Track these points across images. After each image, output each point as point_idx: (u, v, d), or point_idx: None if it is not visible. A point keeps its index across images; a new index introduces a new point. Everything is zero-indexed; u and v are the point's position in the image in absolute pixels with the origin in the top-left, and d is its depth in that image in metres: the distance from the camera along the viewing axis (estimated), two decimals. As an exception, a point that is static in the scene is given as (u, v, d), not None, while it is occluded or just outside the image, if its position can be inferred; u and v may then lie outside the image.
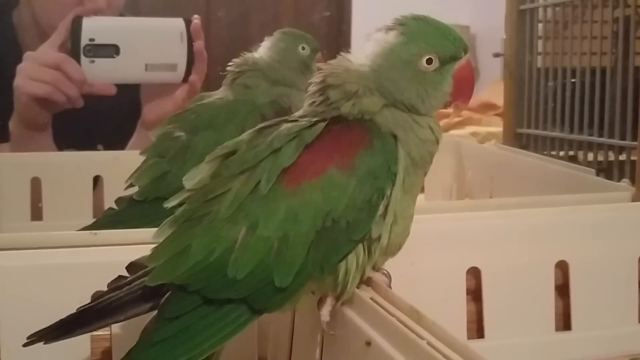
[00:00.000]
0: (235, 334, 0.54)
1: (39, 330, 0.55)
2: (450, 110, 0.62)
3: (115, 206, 0.90)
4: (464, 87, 0.60)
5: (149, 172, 0.88)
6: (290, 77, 0.96)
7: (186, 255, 0.54)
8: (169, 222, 0.57)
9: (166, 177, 0.87)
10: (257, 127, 0.60)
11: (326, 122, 0.57)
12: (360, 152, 0.56)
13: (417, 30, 0.59)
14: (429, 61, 0.58)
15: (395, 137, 0.58)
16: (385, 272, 0.62)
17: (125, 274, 0.59)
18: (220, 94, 0.96)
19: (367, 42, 0.61)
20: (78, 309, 0.56)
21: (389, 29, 0.60)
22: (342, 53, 0.62)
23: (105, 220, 0.89)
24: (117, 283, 0.58)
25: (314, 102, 0.60)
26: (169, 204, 0.58)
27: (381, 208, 0.56)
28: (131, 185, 0.89)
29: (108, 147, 1.35)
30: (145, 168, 0.89)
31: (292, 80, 0.95)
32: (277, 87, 0.95)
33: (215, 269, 0.54)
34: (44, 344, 0.55)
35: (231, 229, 0.54)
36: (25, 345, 0.55)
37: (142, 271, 0.57)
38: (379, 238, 0.57)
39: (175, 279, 0.54)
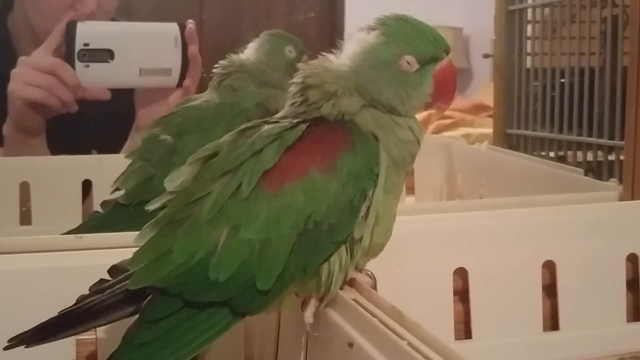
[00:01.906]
0: (218, 337, 0.54)
1: (20, 334, 0.55)
2: (432, 111, 0.62)
3: (101, 210, 0.90)
4: (445, 88, 0.60)
5: (135, 176, 0.88)
6: (277, 78, 0.96)
7: (167, 259, 0.54)
8: (151, 226, 0.57)
9: (152, 180, 0.87)
10: (238, 129, 0.60)
11: (307, 124, 0.57)
12: (341, 153, 0.55)
13: (397, 31, 0.59)
14: (409, 62, 0.58)
15: (376, 137, 0.57)
16: (369, 273, 0.62)
17: (108, 277, 0.59)
18: (206, 97, 0.96)
19: (350, 41, 0.61)
20: (59, 312, 0.56)
21: (370, 29, 0.60)
22: (322, 53, 0.61)
23: (91, 223, 0.89)
24: (99, 287, 0.57)
25: (294, 102, 0.60)
26: (151, 206, 0.58)
27: (363, 209, 0.55)
28: (117, 189, 0.89)
29: (102, 152, 1.35)
30: (130, 172, 0.89)
31: (278, 82, 0.95)
32: (264, 89, 0.95)
33: (197, 272, 0.53)
34: (25, 347, 0.55)
35: (213, 231, 0.54)
36: (5, 348, 0.55)
37: (124, 275, 0.56)
38: (360, 239, 0.56)
39: (156, 282, 0.54)
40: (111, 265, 0.59)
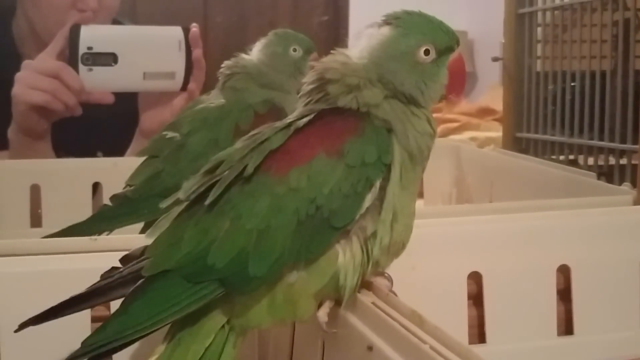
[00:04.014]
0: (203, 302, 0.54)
1: (29, 319, 0.56)
2: (443, 104, 0.62)
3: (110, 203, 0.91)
4: (458, 79, 0.61)
5: (144, 172, 0.88)
6: (280, 80, 0.94)
7: (178, 247, 0.55)
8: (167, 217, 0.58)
9: (160, 175, 0.87)
10: (249, 134, 0.60)
11: (319, 111, 0.58)
12: (350, 138, 0.55)
13: (412, 23, 0.59)
14: (427, 52, 0.59)
15: (390, 130, 0.57)
16: (386, 275, 0.61)
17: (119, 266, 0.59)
18: (212, 98, 0.95)
19: (360, 38, 0.61)
20: (71, 297, 0.57)
21: (381, 23, 0.60)
22: (336, 49, 0.61)
23: (100, 216, 0.89)
24: (110, 274, 0.58)
25: (310, 99, 0.60)
26: (164, 204, 0.59)
27: (369, 199, 0.55)
28: (129, 187, 0.90)
29: (107, 154, 1.35)
30: (140, 168, 0.89)
31: (281, 84, 0.94)
32: (266, 91, 0.94)
33: (199, 257, 0.54)
34: (33, 325, 0.56)
35: (218, 220, 0.54)
36: (16, 330, 0.56)
37: (135, 261, 0.57)
38: (374, 235, 0.56)
39: (166, 268, 0.55)
40: (124, 255, 0.60)
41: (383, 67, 0.58)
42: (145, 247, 0.57)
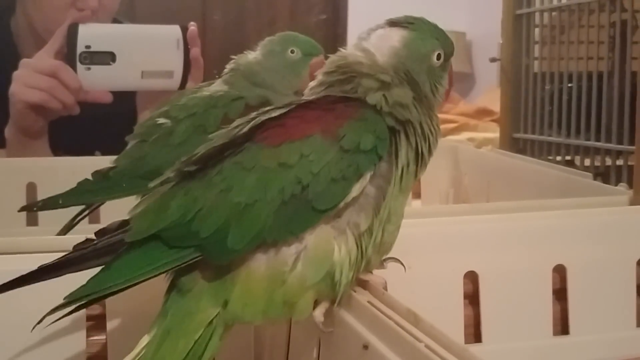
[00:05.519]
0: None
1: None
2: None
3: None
4: (450, 84, 0.63)
5: (130, 155, 0.88)
6: (271, 80, 0.93)
7: (164, 214, 0.55)
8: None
9: (144, 159, 0.86)
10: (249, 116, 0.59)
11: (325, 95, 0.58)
12: (349, 122, 0.55)
13: (425, 28, 0.61)
14: (438, 57, 0.61)
15: (398, 131, 0.57)
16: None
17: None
18: (213, 89, 0.95)
19: (368, 37, 0.61)
20: (39, 266, 0.56)
21: (392, 25, 0.61)
22: (355, 44, 0.62)
23: (79, 189, 0.89)
24: (83, 245, 0.57)
25: (333, 89, 0.59)
26: (153, 183, 0.59)
27: (356, 189, 0.54)
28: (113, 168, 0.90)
29: (105, 153, 1.35)
30: (127, 151, 0.90)
31: (272, 84, 0.93)
32: (258, 89, 0.93)
33: (184, 224, 0.54)
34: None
35: (207, 190, 0.54)
36: None
37: (110, 234, 0.57)
38: (369, 232, 0.56)
39: (151, 233, 0.55)
40: (100, 228, 0.59)
41: (408, 68, 0.59)
42: (122, 221, 0.57)
